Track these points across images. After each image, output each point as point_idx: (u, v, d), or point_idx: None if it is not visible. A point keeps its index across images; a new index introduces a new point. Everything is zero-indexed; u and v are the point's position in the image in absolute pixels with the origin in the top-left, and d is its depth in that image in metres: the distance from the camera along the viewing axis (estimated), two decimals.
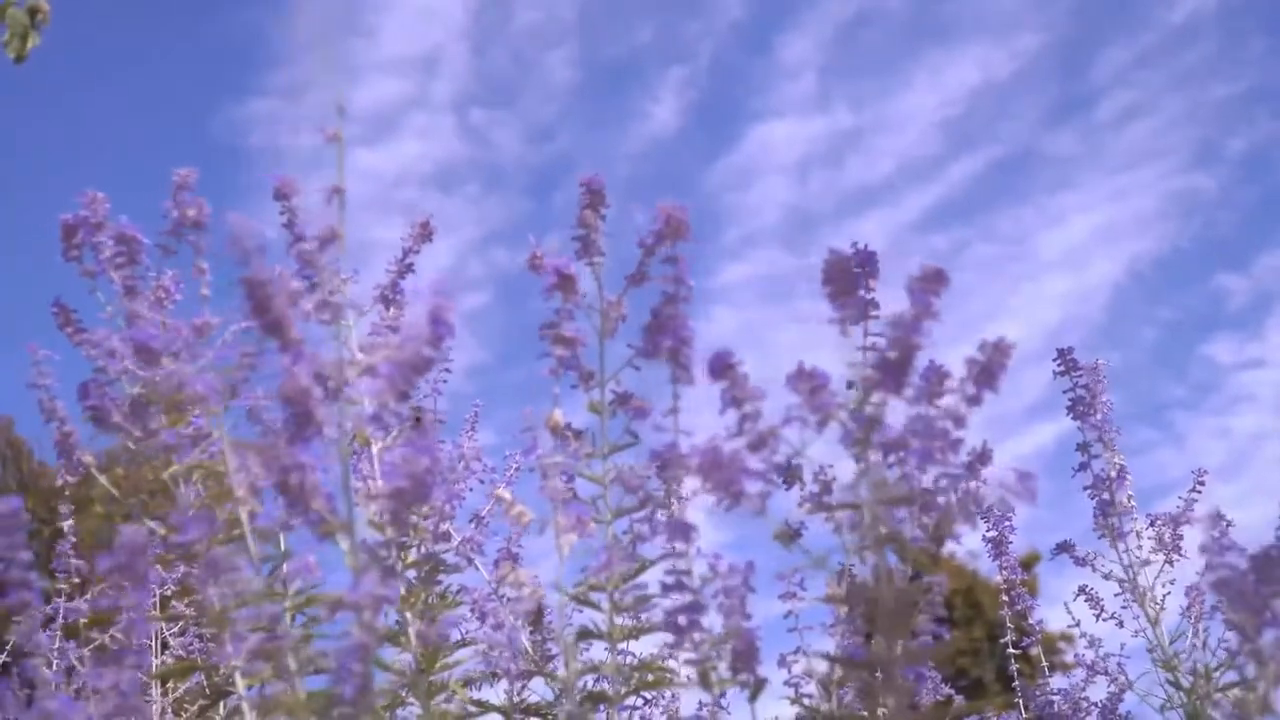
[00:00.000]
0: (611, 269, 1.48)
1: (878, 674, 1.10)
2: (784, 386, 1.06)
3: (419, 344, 1.02)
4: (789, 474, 1.24)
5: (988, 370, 1.05)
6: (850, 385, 1.09)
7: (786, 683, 1.92)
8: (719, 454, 1.06)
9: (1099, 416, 2.29)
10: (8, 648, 3.07)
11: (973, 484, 1.07)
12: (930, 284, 1.03)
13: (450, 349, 2.30)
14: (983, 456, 1.22)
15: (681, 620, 1.22)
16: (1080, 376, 2.29)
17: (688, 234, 1.30)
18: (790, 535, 1.19)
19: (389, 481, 0.96)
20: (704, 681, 1.25)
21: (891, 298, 1.51)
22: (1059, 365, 2.30)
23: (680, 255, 1.32)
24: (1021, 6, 33.79)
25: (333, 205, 1.15)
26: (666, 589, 1.23)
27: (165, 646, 3.00)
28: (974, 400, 1.06)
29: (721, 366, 1.09)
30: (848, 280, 1.07)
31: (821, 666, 1.73)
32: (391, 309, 1.93)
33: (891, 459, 1.06)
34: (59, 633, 3.04)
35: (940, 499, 1.05)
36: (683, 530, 1.21)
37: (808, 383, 1.05)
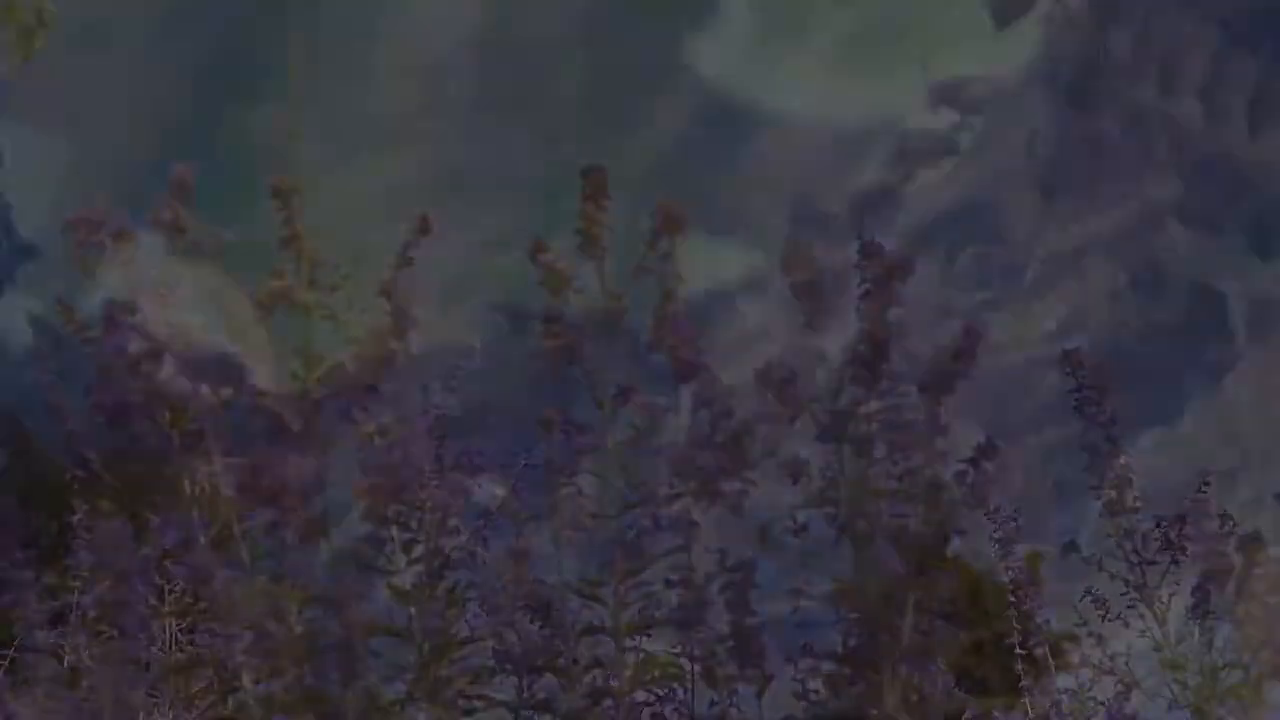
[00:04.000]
0: (620, 267, 1.47)
1: (877, 672, 1.10)
2: (754, 385, 1.04)
3: (383, 339, 1.03)
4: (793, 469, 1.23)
5: (966, 352, 1.02)
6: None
7: (794, 678, 1.91)
8: (692, 454, 1.04)
9: (1106, 416, 2.29)
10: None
11: (944, 475, 1.04)
12: (896, 273, 1.00)
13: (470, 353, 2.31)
14: (987, 451, 1.21)
15: (684, 617, 1.22)
16: (1086, 377, 2.29)
17: (685, 229, 1.29)
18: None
19: (365, 478, 0.96)
20: (709, 678, 1.25)
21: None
22: (1065, 366, 2.30)
23: (677, 251, 1.30)
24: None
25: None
26: (670, 585, 1.23)
27: (176, 642, 3.00)
28: (942, 389, 1.02)
29: (689, 368, 1.07)
30: (809, 271, 1.03)
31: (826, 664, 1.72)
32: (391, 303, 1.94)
33: (875, 453, 1.04)
34: (77, 626, 3.04)
35: (917, 491, 1.04)
36: (684, 527, 1.21)
37: (776, 379, 1.02)
